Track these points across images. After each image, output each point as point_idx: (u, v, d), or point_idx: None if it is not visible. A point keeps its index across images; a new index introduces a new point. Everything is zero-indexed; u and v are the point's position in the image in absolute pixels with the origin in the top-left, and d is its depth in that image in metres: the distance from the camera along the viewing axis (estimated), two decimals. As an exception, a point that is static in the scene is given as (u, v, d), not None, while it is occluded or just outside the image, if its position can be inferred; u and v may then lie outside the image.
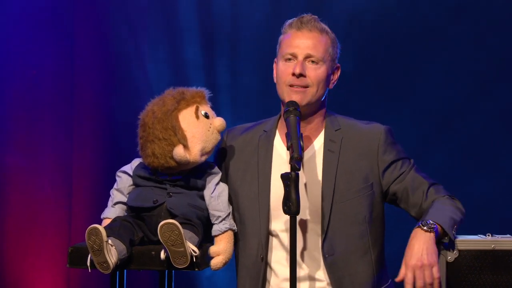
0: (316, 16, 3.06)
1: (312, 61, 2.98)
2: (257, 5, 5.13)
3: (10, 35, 4.98)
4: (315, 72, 2.97)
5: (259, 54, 5.06)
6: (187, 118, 2.93)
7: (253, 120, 3.23)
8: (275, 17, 5.01)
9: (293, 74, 2.97)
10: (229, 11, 5.18)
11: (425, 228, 2.79)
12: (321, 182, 2.98)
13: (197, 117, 2.94)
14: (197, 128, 2.93)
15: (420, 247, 2.75)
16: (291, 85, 2.99)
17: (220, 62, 5.20)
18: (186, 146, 2.90)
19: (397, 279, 2.79)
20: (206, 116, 2.97)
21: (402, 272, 2.76)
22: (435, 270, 2.73)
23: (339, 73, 3.08)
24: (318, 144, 3.04)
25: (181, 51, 5.21)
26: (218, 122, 2.99)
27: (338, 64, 3.07)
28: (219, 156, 3.14)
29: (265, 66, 5.02)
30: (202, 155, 2.94)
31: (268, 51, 5.03)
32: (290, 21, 3.04)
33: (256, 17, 5.12)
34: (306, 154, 3.03)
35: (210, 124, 2.97)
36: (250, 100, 5.12)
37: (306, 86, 2.98)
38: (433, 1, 5.08)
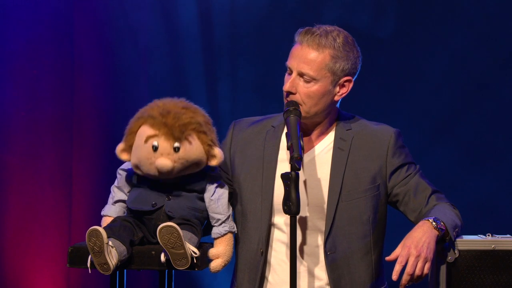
0: (325, 28, 2.97)
1: (305, 80, 2.94)
2: (256, 2, 5.13)
3: (10, 35, 4.97)
4: (307, 90, 2.94)
5: (259, 51, 5.06)
6: (140, 135, 2.86)
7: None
8: (275, 15, 5.02)
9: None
10: (228, 9, 5.18)
11: (434, 224, 2.80)
12: (328, 179, 2.98)
13: (146, 142, 2.84)
14: (139, 149, 2.86)
15: (423, 238, 2.76)
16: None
17: (221, 60, 5.19)
18: (126, 149, 2.89)
19: (389, 258, 2.78)
20: (155, 148, 2.84)
21: (397, 252, 2.76)
22: (427, 266, 2.74)
23: (350, 85, 2.99)
24: (327, 141, 3.04)
25: (181, 51, 5.21)
26: (160, 163, 2.81)
27: (348, 77, 2.98)
28: (225, 148, 3.12)
29: (265, 62, 5.05)
30: (133, 165, 2.88)
31: (268, 48, 5.05)
32: (299, 30, 2.99)
33: (255, 13, 5.12)
34: (315, 151, 3.03)
35: (153, 157, 2.83)
36: (250, 98, 5.13)
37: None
38: (433, 1, 5.08)
